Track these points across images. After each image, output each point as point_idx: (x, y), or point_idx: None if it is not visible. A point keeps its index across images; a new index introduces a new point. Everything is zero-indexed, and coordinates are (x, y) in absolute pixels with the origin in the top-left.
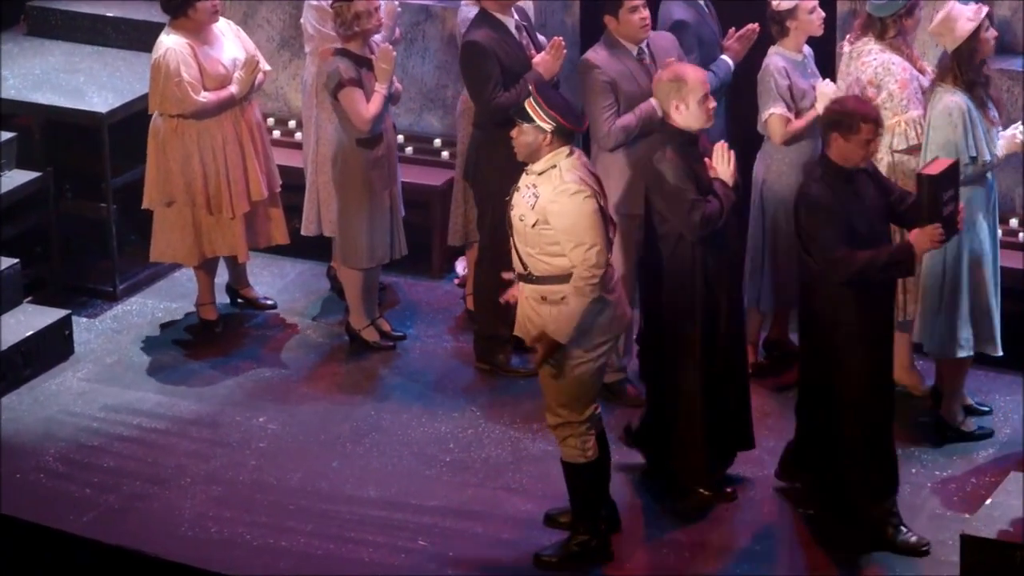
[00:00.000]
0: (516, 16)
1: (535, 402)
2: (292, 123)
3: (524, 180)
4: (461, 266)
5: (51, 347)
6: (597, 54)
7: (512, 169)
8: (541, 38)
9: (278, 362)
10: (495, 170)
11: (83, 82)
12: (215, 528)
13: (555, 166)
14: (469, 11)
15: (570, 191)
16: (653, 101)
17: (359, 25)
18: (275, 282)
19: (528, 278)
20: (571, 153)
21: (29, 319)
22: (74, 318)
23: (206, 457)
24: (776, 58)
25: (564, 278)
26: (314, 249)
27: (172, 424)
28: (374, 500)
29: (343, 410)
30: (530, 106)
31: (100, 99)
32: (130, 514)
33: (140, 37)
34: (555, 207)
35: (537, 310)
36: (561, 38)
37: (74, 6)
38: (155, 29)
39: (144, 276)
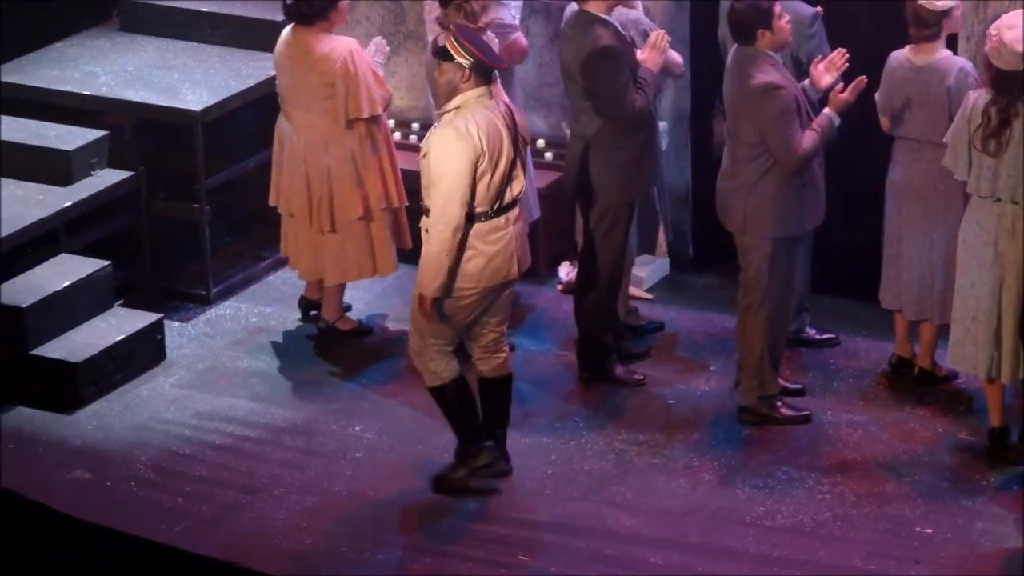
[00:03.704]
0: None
1: (640, 413)
2: (391, 122)
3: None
4: (565, 271)
5: (142, 352)
6: (768, 74)
7: (633, 175)
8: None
9: (374, 370)
10: (614, 178)
11: (177, 79)
12: (309, 540)
13: (460, 107)
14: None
15: (448, 136)
16: (828, 111)
17: (486, 17)
18: (372, 287)
19: (423, 209)
20: (484, 95)
21: (120, 323)
22: (166, 322)
23: (301, 467)
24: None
25: None
26: (411, 255)
27: (266, 432)
28: (473, 513)
29: (442, 420)
30: (450, 44)
31: (194, 97)
32: (222, 525)
33: (235, 33)
34: (434, 146)
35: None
36: (663, 31)
37: (168, 1)
38: (251, 25)
39: (238, 280)
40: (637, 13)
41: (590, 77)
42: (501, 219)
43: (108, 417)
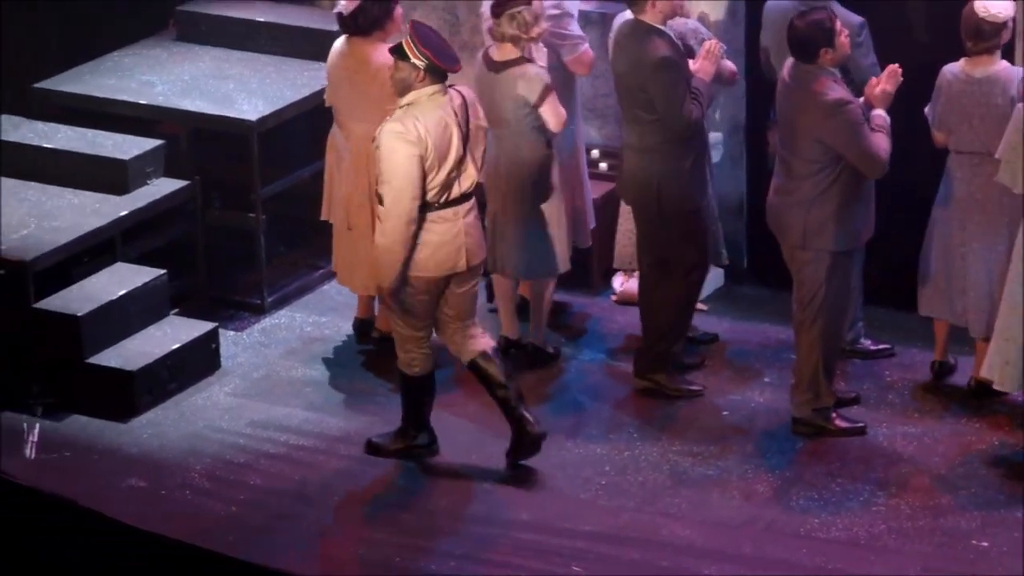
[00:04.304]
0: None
1: (694, 424)
2: None
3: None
4: (619, 282)
5: (198, 361)
6: (836, 91)
7: (690, 184)
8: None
9: None
10: (674, 187)
11: (232, 89)
12: (363, 550)
13: (411, 104)
14: (620, 20)
15: (393, 130)
16: (878, 110)
17: (538, 27)
18: None
19: (376, 195)
20: (437, 92)
21: (176, 332)
22: (221, 331)
23: (354, 476)
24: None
25: None
26: None
27: (320, 441)
28: (527, 523)
29: (495, 430)
30: (406, 44)
31: (250, 106)
32: (276, 533)
33: (291, 43)
34: (383, 141)
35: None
36: (715, 41)
37: (224, 11)
38: (307, 35)
39: (292, 289)
40: (695, 23)
41: (647, 88)
42: (448, 211)
43: (163, 425)
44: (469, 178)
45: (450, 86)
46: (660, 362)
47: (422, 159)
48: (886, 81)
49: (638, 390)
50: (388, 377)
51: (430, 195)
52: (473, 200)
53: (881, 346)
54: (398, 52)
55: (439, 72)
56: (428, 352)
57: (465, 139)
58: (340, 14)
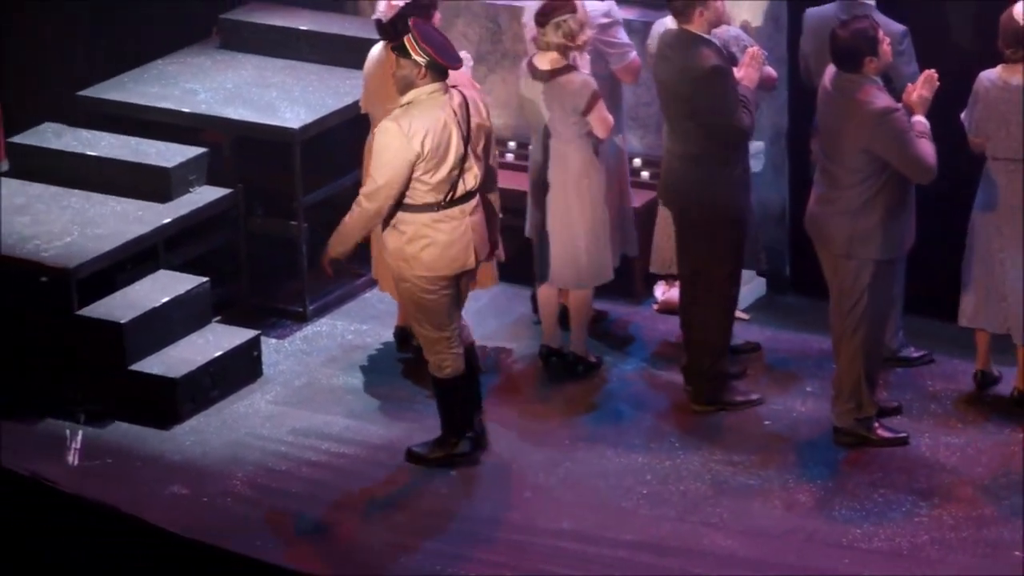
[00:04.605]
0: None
1: (735, 434)
2: None
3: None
4: (660, 290)
5: (239, 368)
6: (881, 99)
7: (740, 192)
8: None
9: None
10: (723, 196)
11: (275, 97)
12: (403, 557)
13: (412, 102)
14: (660, 27)
15: (392, 131)
16: (918, 116)
17: (583, 36)
18: (468, 306)
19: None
20: (437, 90)
21: (218, 339)
22: (263, 339)
23: (395, 484)
24: None
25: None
26: (506, 272)
27: (361, 449)
28: (567, 532)
29: (536, 438)
30: (408, 42)
31: (292, 114)
32: (318, 541)
33: (333, 51)
34: (379, 135)
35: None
36: (758, 48)
37: (267, 19)
38: (348, 43)
39: (334, 297)
40: (736, 30)
41: (699, 97)
42: (455, 210)
43: (205, 433)
44: (474, 177)
45: (452, 86)
46: (718, 385)
47: (413, 163)
48: (923, 87)
49: (698, 412)
50: (429, 385)
51: (435, 194)
52: (477, 198)
53: (921, 353)
54: (400, 50)
55: (440, 70)
56: (458, 352)
57: (466, 139)
58: (379, 21)
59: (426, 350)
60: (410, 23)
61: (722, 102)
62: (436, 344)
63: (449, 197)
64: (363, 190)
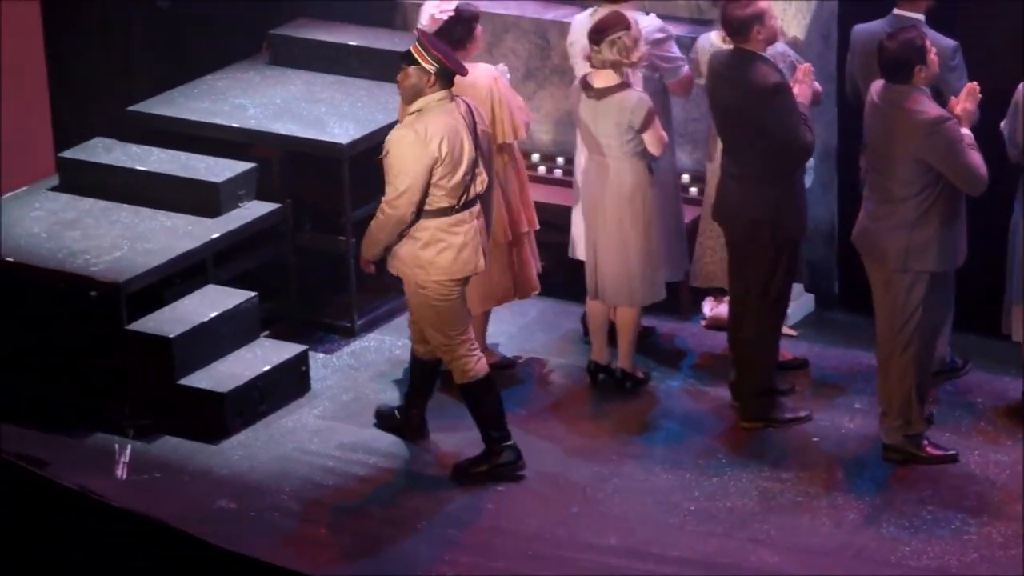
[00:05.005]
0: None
1: (783, 450)
2: (536, 156)
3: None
4: (709, 306)
5: (288, 383)
6: (933, 108)
7: (803, 211)
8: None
9: (517, 403)
10: (789, 215)
11: (324, 112)
12: (451, 573)
13: (422, 110)
14: (706, 41)
15: (408, 138)
16: (965, 129)
17: (638, 52)
18: (515, 321)
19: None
20: (445, 98)
21: (266, 354)
22: (311, 354)
23: (442, 499)
24: None
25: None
26: (555, 287)
27: (408, 464)
28: (615, 548)
29: (583, 454)
30: (415, 50)
31: (341, 130)
32: (365, 557)
33: (382, 67)
34: (393, 146)
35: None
36: (809, 65)
37: (316, 35)
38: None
39: (382, 312)
40: (783, 46)
41: (763, 115)
42: (466, 213)
43: (253, 447)
44: (482, 182)
45: (455, 96)
46: (767, 402)
47: (431, 167)
48: (966, 100)
49: (746, 429)
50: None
51: (450, 199)
52: (479, 201)
53: (962, 362)
54: (407, 58)
55: (449, 77)
56: (478, 354)
57: (476, 143)
58: (423, 33)
59: (448, 359)
60: (417, 31)
61: (787, 119)
62: (456, 350)
63: (462, 201)
64: (385, 198)
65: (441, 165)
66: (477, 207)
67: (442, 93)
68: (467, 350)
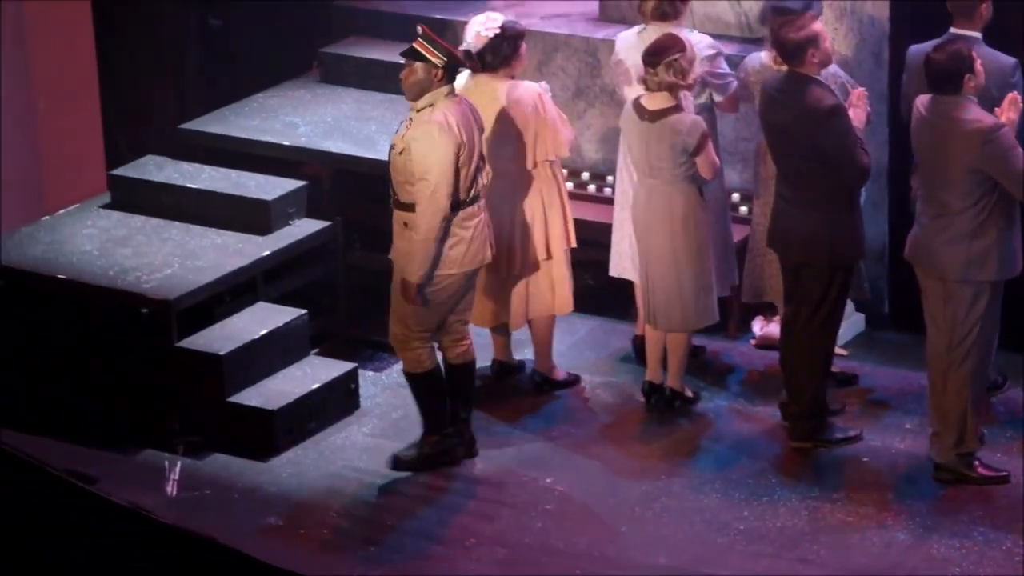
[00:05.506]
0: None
1: (833, 470)
2: (585, 175)
3: (409, 116)
4: (759, 326)
5: (337, 401)
6: (985, 117)
7: (862, 234)
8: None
9: (567, 421)
10: (847, 239)
11: (374, 131)
12: None
13: (432, 104)
14: (755, 60)
15: (432, 131)
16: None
17: (694, 73)
18: (564, 339)
19: (397, 204)
20: (450, 94)
21: (315, 372)
22: (360, 371)
23: (491, 518)
24: None
25: None
26: (603, 306)
27: (457, 482)
28: (664, 568)
29: (633, 473)
30: (420, 46)
31: None
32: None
33: None
34: (416, 140)
35: (402, 235)
36: (863, 89)
37: (366, 53)
38: None
39: None
40: (834, 67)
41: (820, 138)
42: (474, 207)
43: (302, 465)
44: (487, 174)
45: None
46: (817, 423)
47: (458, 153)
48: (1009, 109)
49: (798, 450)
50: (526, 418)
51: (462, 191)
52: (482, 194)
53: (1004, 379)
54: (412, 55)
55: (454, 72)
56: (431, 345)
57: (468, 145)
58: (468, 51)
59: (401, 350)
60: (419, 28)
61: (845, 141)
62: (412, 341)
63: (472, 194)
64: (419, 197)
65: (463, 151)
66: (483, 200)
67: (448, 88)
68: (421, 343)
